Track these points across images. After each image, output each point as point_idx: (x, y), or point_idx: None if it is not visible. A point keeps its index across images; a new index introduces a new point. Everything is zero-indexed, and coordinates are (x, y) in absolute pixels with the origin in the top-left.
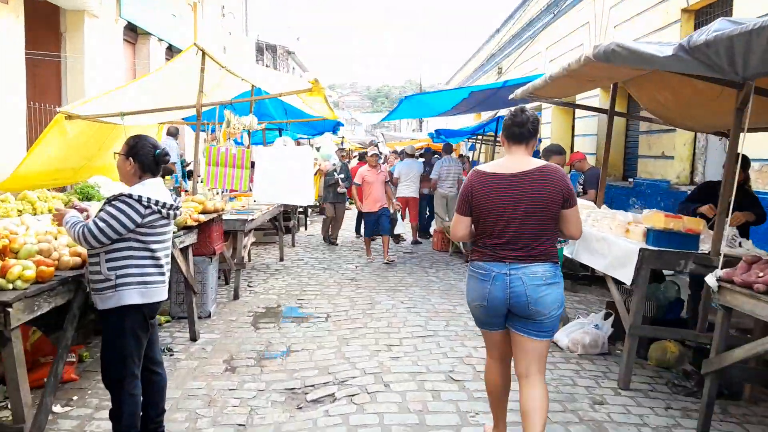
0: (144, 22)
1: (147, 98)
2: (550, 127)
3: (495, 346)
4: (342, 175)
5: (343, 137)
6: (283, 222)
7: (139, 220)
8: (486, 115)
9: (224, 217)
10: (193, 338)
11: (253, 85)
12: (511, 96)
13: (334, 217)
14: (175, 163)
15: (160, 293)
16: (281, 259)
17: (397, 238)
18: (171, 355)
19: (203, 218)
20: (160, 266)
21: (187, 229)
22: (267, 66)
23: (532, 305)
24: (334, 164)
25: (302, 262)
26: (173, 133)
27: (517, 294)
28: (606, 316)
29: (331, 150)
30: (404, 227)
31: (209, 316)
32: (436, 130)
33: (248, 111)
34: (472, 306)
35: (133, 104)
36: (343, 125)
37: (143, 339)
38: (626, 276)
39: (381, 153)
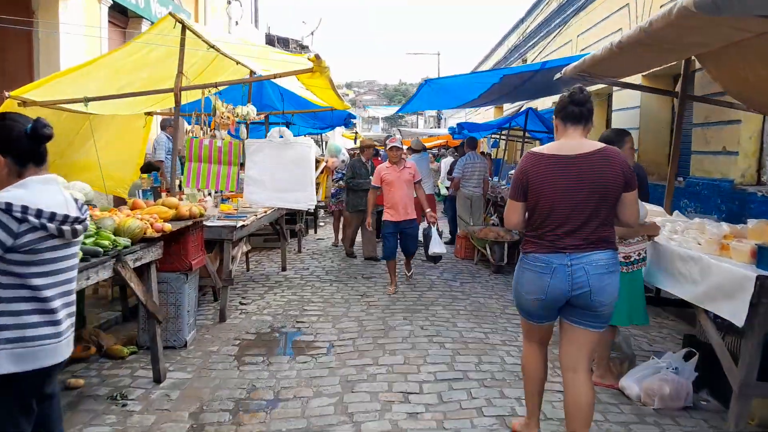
0: (135, 4)
1: (122, 82)
2: None
3: (538, 334)
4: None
5: (356, 132)
6: (286, 226)
7: (7, 241)
8: (508, 110)
9: (208, 223)
10: (158, 379)
11: (252, 72)
12: (557, 75)
13: (353, 226)
14: (162, 161)
15: (53, 353)
16: (283, 269)
17: (435, 260)
18: (123, 405)
19: (169, 227)
20: (52, 311)
21: (147, 242)
22: None
23: (595, 296)
24: (343, 161)
25: (307, 272)
26: (168, 126)
27: (581, 285)
28: (687, 356)
29: (340, 144)
30: (442, 245)
31: (185, 345)
32: (458, 124)
33: (246, 100)
34: (525, 299)
35: (102, 88)
36: (355, 117)
37: (24, 426)
38: (735, 313)
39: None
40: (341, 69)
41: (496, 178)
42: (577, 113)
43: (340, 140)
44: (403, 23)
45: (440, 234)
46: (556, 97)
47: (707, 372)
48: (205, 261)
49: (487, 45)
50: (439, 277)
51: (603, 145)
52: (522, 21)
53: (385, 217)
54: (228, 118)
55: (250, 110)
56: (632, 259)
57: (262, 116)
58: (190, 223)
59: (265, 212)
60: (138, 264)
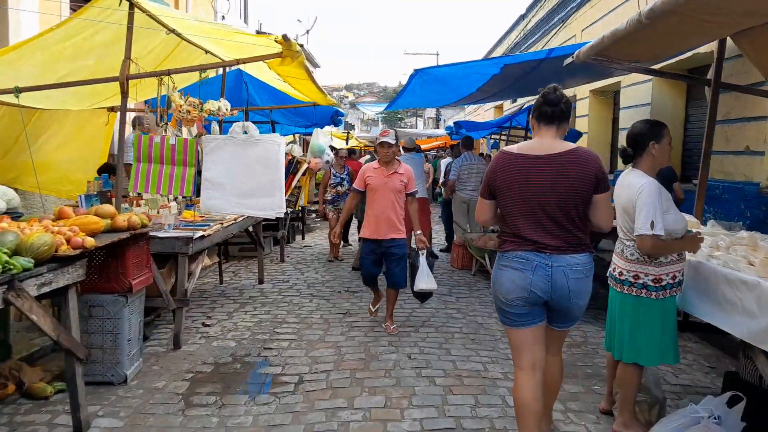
0: None
1: (63, 70)
2: (587, 120)
3: (527, 349)
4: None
5: (348, 132)
6: (267, 233)
7: None
8: (509, 109)
9: (160, 234)
10: (78, 430)
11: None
12: (568, 60)
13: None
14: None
15: None
16: (260, 281)
17: (422, 298)
18: None
19: (92, 242)
20: None
21: (61, 261)
22: None
23: (573, 299)
24: (327, 161)
25: (287, 285)
26: (139, 125)
27: (560, 287)
28: (732, 401)
29: (324, 142)
30: (432, 279)
31: (125, 381)
32: (455, 123)
33: (219, 94)
34: (507, 300)
35: (40, 76)
36: (344, 114)
37: None
38: None
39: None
40: (340, 71)
41: None
42: (550, 113)
43: (322, 136)
44: (402, 23)
45: (431, 263)
46: (580, 89)
47: (758, 421)
48: (155, 279)
49: (487, 43)
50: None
51: (575, 145)
52: (523, 17)
53: (362, 233)
54: (188, 112)
55: (222, 105)
56: (664, 283)
57: (236, 112)
58: (125, 235)
59: (235, 219)
60: (46, 290)
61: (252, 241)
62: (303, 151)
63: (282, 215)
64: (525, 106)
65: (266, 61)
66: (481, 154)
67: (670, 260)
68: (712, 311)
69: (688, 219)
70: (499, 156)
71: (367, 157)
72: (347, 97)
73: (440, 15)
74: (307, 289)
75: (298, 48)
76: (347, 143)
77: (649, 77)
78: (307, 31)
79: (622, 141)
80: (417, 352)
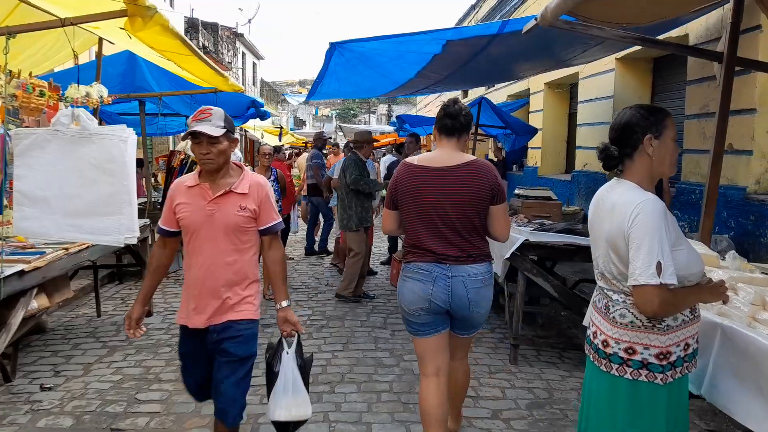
0: None
1: None
2: (542, 115)
3: (431, 357)
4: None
5: (281, 127)
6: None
7: None
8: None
9: None
10: None
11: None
12: (529, 25)
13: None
14: None
15: None
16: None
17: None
18: None
19: None
20: None
21: None
22: (205, 46)
23: (473, 308)
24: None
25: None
26: None
27: (459, 297)
28: None
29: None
30: (302, 404)
31: None
32: (398, 117)
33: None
34: (410, 311)
35: None
36: (263, 104)
37: None
38: None
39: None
40: (295, 66)
41: None
42: (450, 126)
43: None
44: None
45: (304, 368)
46: (517, 86)
47: None
48: None
49: None
50: (363, 323)
51: (473, 158)
52: (473, 8)
53: (179, 319)
54: (28, 99)
55: (93, 91)
56: (674, 359)
57: (111, 100)
58: None
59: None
60: None
61: (137, 262)
62: None
63: (133, 241)
64: (478, 97)
65: (125, 28)
66: (499, 160)
67: (682, 321)
68: (753, 407)
69: (706, 252)
70: (401, 167)
71: (388, 157)
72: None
73: (398, 7)
74: None
75: (151, 3)
76: (280, 139)
77: (611, 67)
78: (249, 21)
79: (581, 138)
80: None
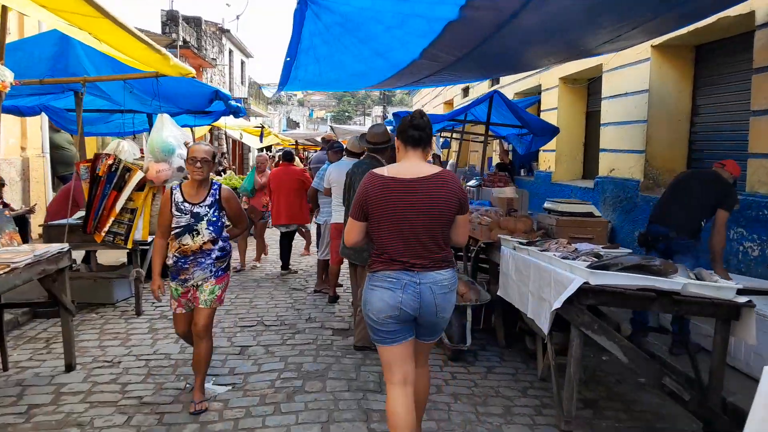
0: None
1: None
2: (556, 114)
3: (398, 365)
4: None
5: (263, 126)
6: (104, 276)
7: None
8: (460, 104)
9: None
10: None
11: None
12: None
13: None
14: None
15: None
16: (68, 368)
17: None
18: None
19: None
20: None
21: None
22: (187, 42)
23: (440, 313)
24: (180, 168)
25: (114, 371)
26: None
27: (427, 303)
28: None
29: (175, 137)
30: None
31: None
32: (394, 114)
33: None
34: (379, 319)
35: None
36: (229, 96)
37: None
38: None
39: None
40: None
41: None
42: (417, 137)
43: (173, 130)
44: None
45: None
46: (525, 83)
47: None
48: None
49: None
50: (351, 383)
51: (440, 169)
52: None
53: None
54: None
55: None
56: None
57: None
58: None
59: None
60: None
61: (52, 301)
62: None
63: None
64: (487, 92)
65: None
66: (435, 156)
67: None
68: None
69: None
70: (370, 178)
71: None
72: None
73: None
74: (143, 385)
75: None
76: (261, 140)
77: (645, 56)
78: (237, 17)
79: (607, 139)
80: None
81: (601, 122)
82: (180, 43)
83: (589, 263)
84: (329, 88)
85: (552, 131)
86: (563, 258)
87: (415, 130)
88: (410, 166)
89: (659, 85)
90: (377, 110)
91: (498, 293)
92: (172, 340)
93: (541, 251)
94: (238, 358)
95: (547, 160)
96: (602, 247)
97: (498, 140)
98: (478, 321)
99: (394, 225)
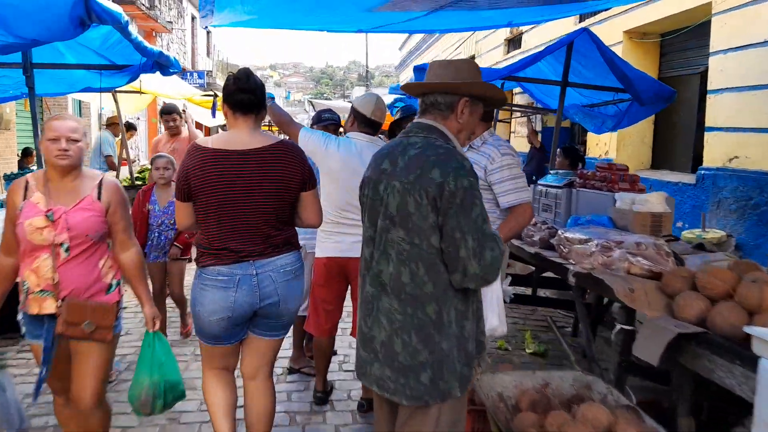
0: None
1: None
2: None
3: (221, 359)
4: None
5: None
6: None
7: None
8: (504, 58)
9: None
10: None
11: None
12: None
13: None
14: None
15: None
16: None
17: None
18: None
19: None
20: None
21: None
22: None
23: (283, 304)
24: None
25: None
26: None
27: (268, 295)
28: None
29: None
30: None
31: None
32: (415, 68)
33: None
34: (209, 321)
35: None
36: (167, 56)
37: None
38: None
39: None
40: (265, 51)
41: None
42: (247, 102)
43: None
44: None
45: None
46: (605, 28)
47: None
48: None
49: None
50: None
51: (279, 138)
52: None
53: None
54: None
55: None
56: None
57: None
58: None
59: None
60: None
61: None
62: None
63: None
64: (576, 30)
65: None
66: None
67: None
68: None
69: None
70: (192, 152)
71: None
72: (272, 76)
73: None
74: None
75: None
76: (214, 115)
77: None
78: None
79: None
80: None
81: (709, 88)
82: None
83: None
84: (273, 23)
85: (667, 97)
86: None
87: (243, 93)
88: (241, 135)
89: None
90: (358, 91)
91: None
92: None
93: None
94: None
95: (604, 142)
96: None
97: (527, 118)
98: None
99: (222, 207)
